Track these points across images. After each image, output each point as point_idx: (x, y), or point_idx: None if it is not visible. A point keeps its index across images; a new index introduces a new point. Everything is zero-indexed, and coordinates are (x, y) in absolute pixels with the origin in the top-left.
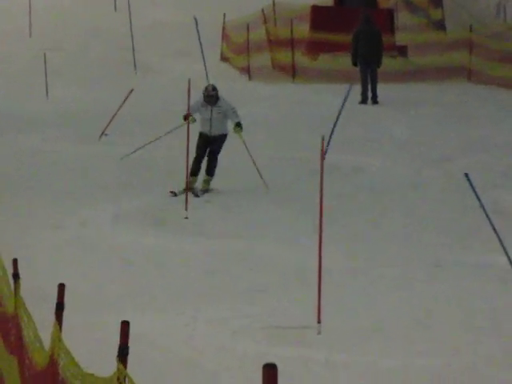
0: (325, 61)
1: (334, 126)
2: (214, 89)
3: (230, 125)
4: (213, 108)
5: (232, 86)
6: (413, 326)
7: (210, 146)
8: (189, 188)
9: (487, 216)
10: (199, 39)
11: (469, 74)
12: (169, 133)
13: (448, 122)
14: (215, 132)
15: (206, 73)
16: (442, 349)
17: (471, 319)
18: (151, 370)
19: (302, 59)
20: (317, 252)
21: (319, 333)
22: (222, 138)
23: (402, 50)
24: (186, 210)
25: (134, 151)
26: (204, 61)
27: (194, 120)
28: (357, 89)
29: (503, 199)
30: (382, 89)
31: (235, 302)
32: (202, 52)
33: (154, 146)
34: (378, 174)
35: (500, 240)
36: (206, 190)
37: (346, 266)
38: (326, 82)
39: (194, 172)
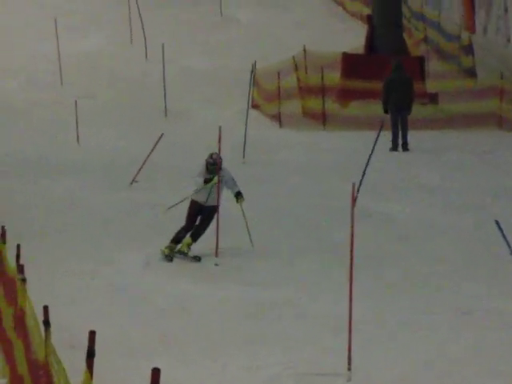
0: (356, 108)
1: (364, 172)
2: (220, 158)
3: (228, 194)
4: (215, 178)
5: (263, 133)
6: (442, 375)
7: (202, 215)
8: (166, 255)
9: (510, 248)
10: (250, 87)
11: (500, 122)
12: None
13: (479, 170)
14: (210, 202)
15: (247, 120)
16: None
17: (501, 368)
18: None
19: (332, 106)
20: (347, 299)
21: (349, 380)
22: (215, 208)
23: (433, 98)
24: (217, 256)
25: (175, 204)
26: (248, 107)
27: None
28: (387, 136)
29: None
30: (412, 136)
31: (266, 349)
32: (249, 97)
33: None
34: (408, 221)
35: None
36: (183, 253)
37: (376, 313)
38: (357, 130)
39: (179, 240)
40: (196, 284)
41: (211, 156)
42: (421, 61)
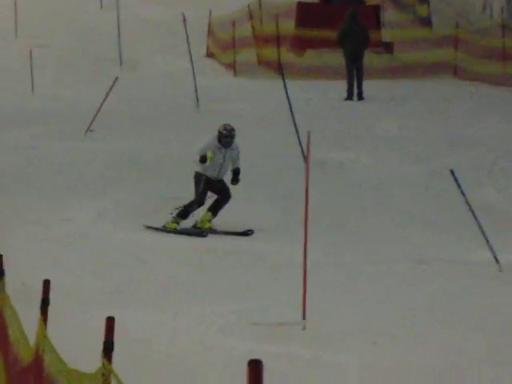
0: (310, 57)
1: (294, 123)
2: (233, 129)
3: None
4: (226, 151)
5: (218, 82)
6: (398, 323)
7: (216, 188)
8: (165, 227)
9: (472, 212)
10: (187, 36)
11: (454, 71)
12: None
13: (434, 119)
14: (220, 177)
15: (193, 69)
16: (427, 346)
17: (456, 316)
18: (136, 366)
19: (287, 55)
20: (302, 248)
21: (304, 329)
22: (224, 181)
23: (388, 47)
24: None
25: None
26: (191, 57)
27: (213, 156)
28: (343, 85)
29: (488, 196)
30: (367, 85)
31: (220, 298)
32: (189, 48)
33: (140, 144)
34: (363, 171)
35: (485, 236)
36: (207, 230)
37: (331, 262)
38: (311, 79)
39: (187, 215)
40: (150, 234)
41: (224, 128)
42: (376, 10)
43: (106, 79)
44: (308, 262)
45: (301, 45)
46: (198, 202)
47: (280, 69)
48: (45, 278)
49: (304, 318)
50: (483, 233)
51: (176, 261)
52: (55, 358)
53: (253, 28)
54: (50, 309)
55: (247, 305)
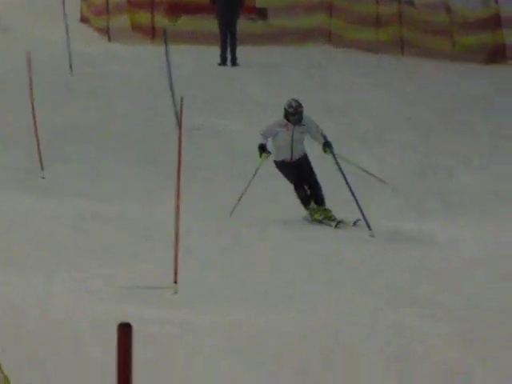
0: (185, 23)
1: (171, 87)
2: (300, 105)
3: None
4: (295, 128)
5: (92, 47)
6: (270, 285)
7: (300, 170)
8: (315, 219)
9: (345, 179)
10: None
11: (329, 37)
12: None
13: (308, 85)
14: (296, 156)
15: (67, 33)
16: (303, 309)
17: (328, 280)
18: (6, 331)
19: (161, 21)
20: (174, 212)
21: (176, 293)
22: (306, 158)
23: (262, 13)
24: (43, 169)
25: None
26: (66, 25)
27: (269, 154)
28: (217, 50)
29: (361, 162)
30: (241, 51)
31: (91, 261)
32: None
33: (11, 110)
34: (237, 137)
35: (357, 203)
36: (336, 220)
37: (204, 226)
38: (185, 44)
39: (308, 200)
40: (21, 197)
41: (290, 105)
42: None
43: None
44: (180, 226)
45: (175, 10)
46: (297, 184)
47: (164, 34)
48: None
49: (175, 281)
50: (356, 199)
51: (50, 225)
52: None
53: None
54: None
55: (119, 268)
